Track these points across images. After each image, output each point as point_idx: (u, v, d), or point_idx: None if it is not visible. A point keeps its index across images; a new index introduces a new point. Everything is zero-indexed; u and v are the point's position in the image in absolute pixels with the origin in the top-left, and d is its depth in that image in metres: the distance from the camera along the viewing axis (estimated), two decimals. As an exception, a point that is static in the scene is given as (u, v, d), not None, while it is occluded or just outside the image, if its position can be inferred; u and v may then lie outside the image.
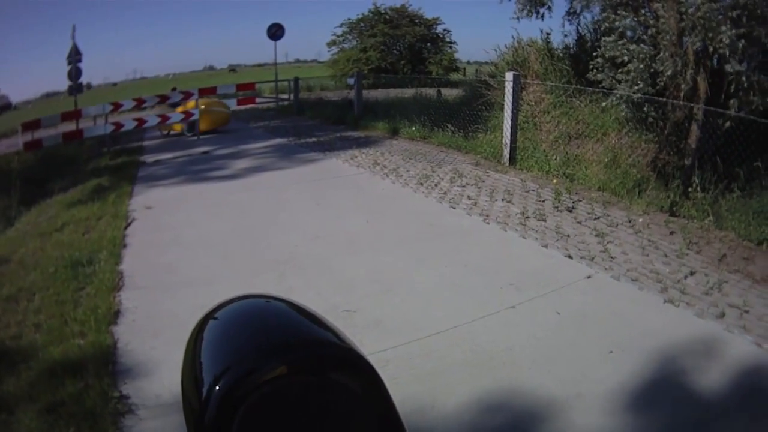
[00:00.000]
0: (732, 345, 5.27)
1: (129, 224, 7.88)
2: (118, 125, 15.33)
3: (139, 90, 37.77)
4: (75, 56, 17.06)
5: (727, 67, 8.48)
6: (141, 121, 15.68)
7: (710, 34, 8.45)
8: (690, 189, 8.55)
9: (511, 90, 11.19)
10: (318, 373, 0.81)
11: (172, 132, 16.85)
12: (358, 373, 0.85)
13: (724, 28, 8.24)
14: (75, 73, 17.17)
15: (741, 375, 4.86)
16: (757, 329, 5.57)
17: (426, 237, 7.44)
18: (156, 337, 4.59)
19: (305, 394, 0.78)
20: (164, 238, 7.19)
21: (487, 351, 4.63)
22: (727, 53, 8.32)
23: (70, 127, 15.65)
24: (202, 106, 16.06)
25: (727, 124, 8.99)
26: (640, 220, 8.01)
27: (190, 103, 16.29)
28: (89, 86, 34.46)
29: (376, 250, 6.84)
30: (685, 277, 6.64)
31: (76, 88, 17.02)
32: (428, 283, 5.98)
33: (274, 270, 6.14)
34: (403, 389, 3.91)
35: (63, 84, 17.75)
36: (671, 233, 7.62)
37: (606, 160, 10.20)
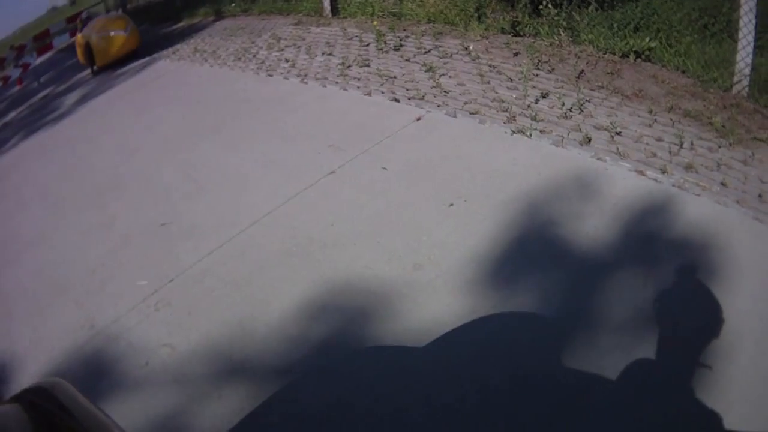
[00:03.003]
0: (605, 176, 4.04)
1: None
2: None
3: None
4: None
5: None
6: None
7: None
8: (541, 6, 6.94)
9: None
10: None
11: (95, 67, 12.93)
12: None
13: None
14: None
15: (622, 215, 3.66)
16: (636, 153, 4.27)
17: (241, 115, 6.57)
18: (9, 319, 4.02)
19: None
20: (8, 207, 6.26)
21: (305, 234, 3.97)
22: None
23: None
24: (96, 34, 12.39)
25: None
26: (472, 46, 6.71)
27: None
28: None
29: (191, 147, 6.06)
30: (536, 101, 5.18)
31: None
32: (243, 168, 5.25)
33: (99, 199, 5.49)
34: (220, 302, 3.48)
35: None
36: (515, 54, 6.23)
37: (443, -11, 8.54)
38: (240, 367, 3.01)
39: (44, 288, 4.21)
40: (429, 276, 3.35)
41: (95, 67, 12.34)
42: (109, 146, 6.98)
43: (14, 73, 14.87)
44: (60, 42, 16.45)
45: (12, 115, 12.13)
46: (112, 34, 12.11)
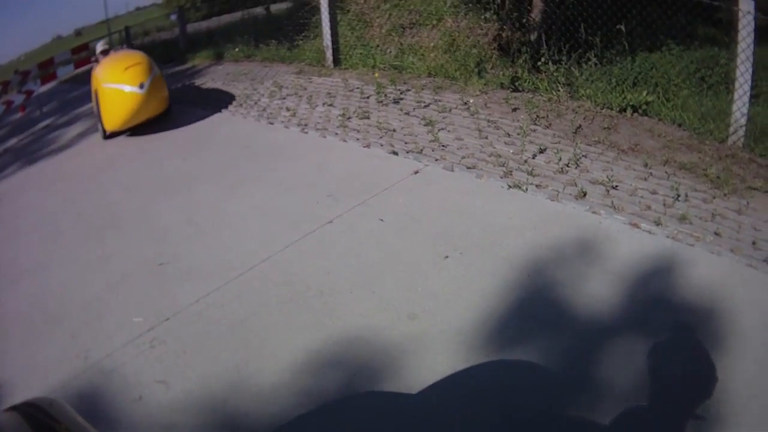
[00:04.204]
0: (599, 230, 4.08)
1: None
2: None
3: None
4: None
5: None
6: None
7: None
8: (540, 62, 7.08)
9: (325, -11, 9.85)
10: None
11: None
12: None
13: None
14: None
15: (616, 267, 3.71)
16: (630, 206, 4.31)
17: (241, 161, 6.59)
18: (4, 344, 4.02)
19: None
20: (7, 231, 6.25)
21: (302, 281, 3.99)
22: None
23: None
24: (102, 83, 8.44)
25: (576, -9, 7.58)
26: (471, 101, 6.81)
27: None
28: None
29: (191, 190, 6.04)
30: (534, 157, 5.22)
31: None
32: (241, 213, 5.26)
33: (97, 234, 5.46)
34: (216, 344, 3.48)
35: None
36: (514, 110, 6.30)
37: (443, 44, 8.70)
38: (234, 408, 3.00)
39: (40, 317, 4.19)
40: (423, 326, 3.35)
41: (104, 131, 8.72)
42: (108, 183, 6.97)
43: (17, 98, 14.54)
44: (64, 73, 16.40)
45: (13, 141, 12.17)
46: (124, 89, 8.11)
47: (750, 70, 5.41)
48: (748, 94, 5.47)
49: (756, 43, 5.44)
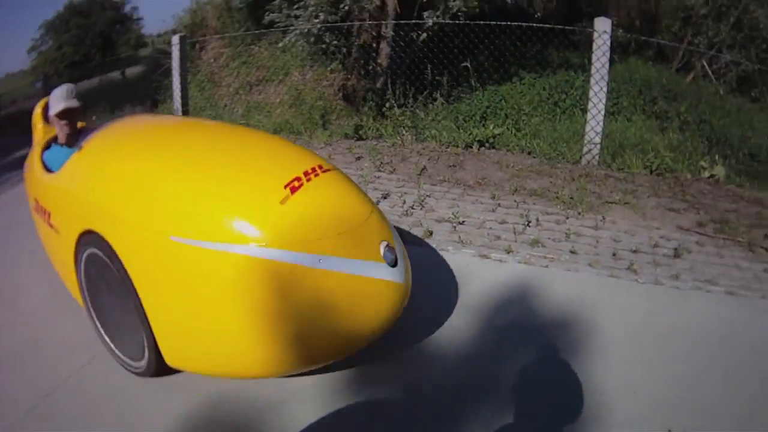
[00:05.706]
0: (446, 265, 3.90)
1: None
2: None
3: None
4: None
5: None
6: None
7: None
8: (385, 108, 6.91)
9: (177, 53, 9.40)
10: None
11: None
12: None
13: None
14: None
15: (466, 298, 3.51)
16: (479, 239, 4.14)
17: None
18: None
19: None
20: None
21: None
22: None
23: None
24: None
25: (423, 35, 7.64)
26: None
27: None
28: None
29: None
30: (377, 203, 4.90)
31: None
32: None
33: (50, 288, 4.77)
34: (95, 416, 3.19)
35: None
36: (358, 159, 5.99)
37: (289, 99, 8.55)
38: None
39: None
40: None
41: (154, 365, 2.99)
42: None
43: None
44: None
45: None
46: (355, 272, 2.44)
47: (605, 89, 5.48)
48: (603, 112, 5.50)
49: (611, 61, 5.51)
